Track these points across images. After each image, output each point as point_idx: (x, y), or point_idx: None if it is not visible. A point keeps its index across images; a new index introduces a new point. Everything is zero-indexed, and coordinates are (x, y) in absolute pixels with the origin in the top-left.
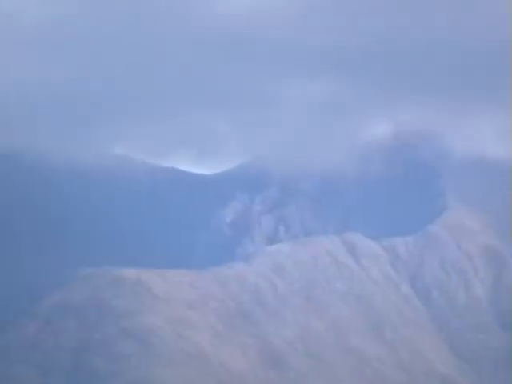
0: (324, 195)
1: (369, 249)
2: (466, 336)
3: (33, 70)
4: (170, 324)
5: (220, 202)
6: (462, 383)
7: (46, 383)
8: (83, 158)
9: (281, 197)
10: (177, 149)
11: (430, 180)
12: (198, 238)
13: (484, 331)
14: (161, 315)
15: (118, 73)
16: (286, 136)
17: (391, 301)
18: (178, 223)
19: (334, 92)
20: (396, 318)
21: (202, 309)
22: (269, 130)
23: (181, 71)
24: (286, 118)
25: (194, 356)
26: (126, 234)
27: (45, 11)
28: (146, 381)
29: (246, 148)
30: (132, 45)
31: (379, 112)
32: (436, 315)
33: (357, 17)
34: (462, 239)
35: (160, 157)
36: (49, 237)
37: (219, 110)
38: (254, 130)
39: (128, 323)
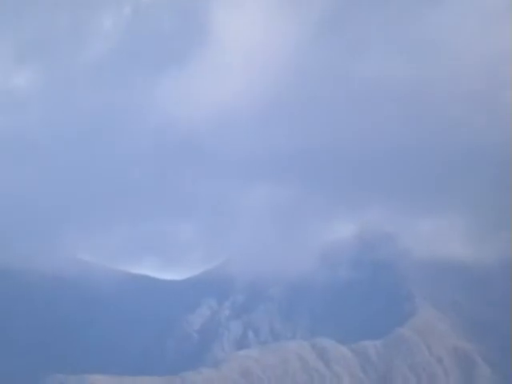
0: (292, 300)
1: (339, 353)
2: None
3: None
4: None
5: (189, 308)
6: None
7: None
8: (51, 264)
9: (249, 302)
10: (143, 255)
11: (397, 282)
12: (168, 344)
13: None
14: None
15: (82, 179)
16: (251, 241)
17: None
18: (147, 330)
19: (298, 196)
20: None
21: None
22: (233, 235)
23: (143, 178)
24: (251, 223)
25: None
26: (97, 341)
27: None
28: None
29: (212, 253)
30: (93, 150)
31: (343, 214)
32: None
33: (318, 120)
34: (431, 341)
35: (126, 263)
36: (23, 341)
37: (183, 216)
38: (218, 235)
39: None
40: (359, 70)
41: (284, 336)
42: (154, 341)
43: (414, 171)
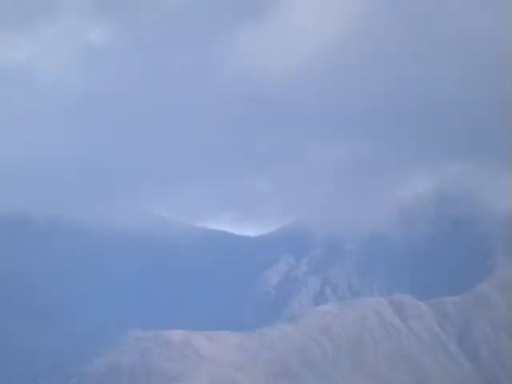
0: (369, 256)
1: (416, 309)
2: None
3: (75, 136)
4: None
5: (265, 264)
6: None
7: None
8: (124, 220)
9: (326, 257)
10: (219, 211)
11: (477, 238)
12: (245, 300)
13: None
14: (208, 377)
15: (159, 134)
16: (329, 196)
17: (439, 361)
18: (224, 285)
19: (376, 150)
20: (444, 377)
21: (250, 370)
22: (311, 190)
23: (220, 133)
24: (328, 178)
25: None
26: (174, 296)
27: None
28: None
29: (289, 209)
30: (169, 106)
31: (421, 168)
32: (484, 375)
33: (395, 75)
34: (510, 298)
35: (203, 219)
36: (98, 299)
37: (260, 171)
38: (295, 191)
39: None
40: (425, 28)
41: (362, 292)
42: (231, 296)
43: (496, 125)
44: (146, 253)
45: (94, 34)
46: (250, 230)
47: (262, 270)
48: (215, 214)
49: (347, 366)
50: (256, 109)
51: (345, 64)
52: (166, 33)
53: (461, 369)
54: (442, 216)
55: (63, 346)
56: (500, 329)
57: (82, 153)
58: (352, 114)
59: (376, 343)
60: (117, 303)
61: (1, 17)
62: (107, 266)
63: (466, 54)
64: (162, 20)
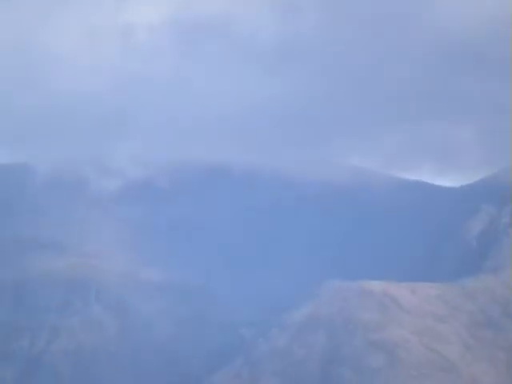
0: None
1: None
2: None
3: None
4: (419, 337)
5: (467, 214)
6: None
7: None
8: (318, 169)
9: None
10: (418, 161)
11: None
12: (445, 251)
13: None
14: (409, 328)
15: (358, 81)
16: None
17: None
18: (424, 236)
19: None
20: None
21: (451, 321)
22: None
23: (423, 80)
24: None
25: (443, 369)
26: (372, 247)
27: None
28: None
29: (492, 159)
30: (372, 53)
31: None
32: None
33: None
34: None
35: (400, 169)
36: (296, 250)
37: (462, 119)
38: (499, 139)
39: (376, 336)
40: None
41: None
42: (432, 247)
43: None
44: (343, 204)
45: None
46: (450, 180)
47: (463, 220)
48: (414, 164)
49: None
50: (461, 56)
51: None
52: None
53: None
54: None
55: (264, 296)
56: None
57: (277, 103)
58: None
59: None
60: (315, 253)
61: None
62: (303, 219)
63: None
64: None
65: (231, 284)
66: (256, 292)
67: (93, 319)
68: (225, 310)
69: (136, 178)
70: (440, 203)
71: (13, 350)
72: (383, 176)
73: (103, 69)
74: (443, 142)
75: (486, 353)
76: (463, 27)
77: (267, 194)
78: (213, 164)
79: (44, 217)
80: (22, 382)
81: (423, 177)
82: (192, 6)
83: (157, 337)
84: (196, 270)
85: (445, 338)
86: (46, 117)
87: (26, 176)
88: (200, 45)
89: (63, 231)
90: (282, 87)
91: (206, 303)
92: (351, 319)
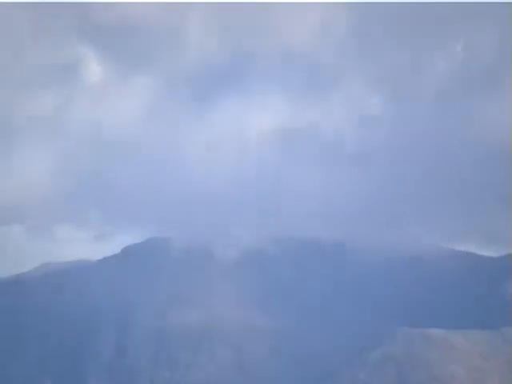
0: None
1: None
2: None
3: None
4: (468, 372)
5: (505, 278)
6: None
7: None
8: (390, 243)
9: None
10: (468, 234)
11: None
12: (489, 306)
13: None
14: (461, 365)
15: (422, 179)
16: None
17: None
18: (471, 295)
19: None
20: None
21: (493, 361)
22: None
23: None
24: None
25: None
26: (433, 303)
27: None
28: None
29: None
30: (435, 157)
31: None
32: None
33: None
34: None
35: (452, 241)
36: (376, 304)
37: (504, 206)
38: None
39: (436, 371)
40: None
41: None
42: (480, 303)
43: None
44: (411, 269)
45: (372, 101)
46: (492, 251)
47: (502, 282)
48: (465, 236)
49: None
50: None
51: None
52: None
53: None
54: None
55: (350, 341)
56: None
57: (357, 194)
58: None
59: None
60: (390, 308)
61: (291, 87)
62: (378, 282)
63: None
64: (433, 92)
65: (324, 329)
66: (345, 337)
67: (217, 357)
68: (319, 350)
69: (252, 247)
70: (485, 269)
71: (156, 378)
72: (441, 248)
73: (223, 165)
74: (487, 221)
75: None
76: None
77: (350, 262)
78: (308, 239)
79: (182, 278)
80: None
81: (470, 248)
82: (293, 116)
83: (268, 371)
84: (297, 318)
85: (488, 373)
86: (183, 201)
87: (169, 246)
88: (298, 147)
89: (196, 291)
90: (361, 182)
91: (305, 345)
92: (416, 358)
